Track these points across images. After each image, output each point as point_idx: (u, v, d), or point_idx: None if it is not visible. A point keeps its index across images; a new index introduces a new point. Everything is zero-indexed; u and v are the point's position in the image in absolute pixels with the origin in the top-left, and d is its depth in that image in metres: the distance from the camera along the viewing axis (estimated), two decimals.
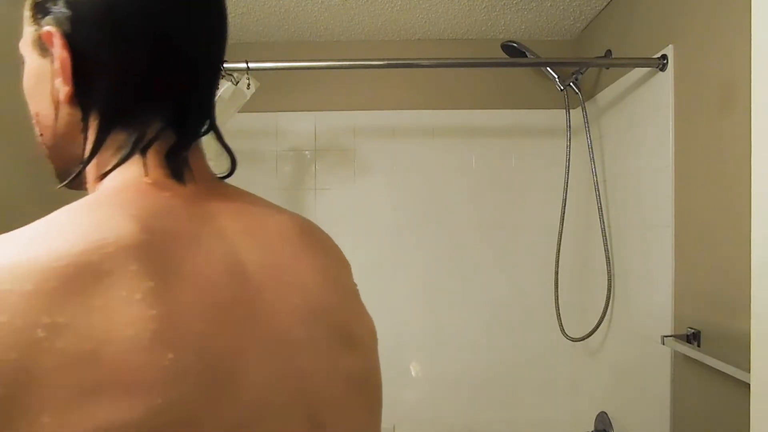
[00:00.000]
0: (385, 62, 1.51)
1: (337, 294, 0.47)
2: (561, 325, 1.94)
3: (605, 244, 1.72)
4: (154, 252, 0.35)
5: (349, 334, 0.45)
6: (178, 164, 0.43)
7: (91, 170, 0.44)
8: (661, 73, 1.43)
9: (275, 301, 0.41)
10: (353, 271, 0.54)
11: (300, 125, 2.11)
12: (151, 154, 0.43)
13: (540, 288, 2.08)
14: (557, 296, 1.95)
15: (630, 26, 1.64)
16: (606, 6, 1.80)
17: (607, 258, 1.72)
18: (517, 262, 2.10)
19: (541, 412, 2.09)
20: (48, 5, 0.42)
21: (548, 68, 1.92)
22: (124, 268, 0.33)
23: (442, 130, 2.10)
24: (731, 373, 1.07)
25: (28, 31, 0.44)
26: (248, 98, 1.55)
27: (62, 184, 0.48)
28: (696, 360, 1.25)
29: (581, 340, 1.84)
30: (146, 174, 0.42)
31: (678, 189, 1.36)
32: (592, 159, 1.78)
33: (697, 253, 1.28)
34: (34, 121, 0.46)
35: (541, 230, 2.08)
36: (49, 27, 0.41)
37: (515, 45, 1.86)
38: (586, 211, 1.99)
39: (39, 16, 0.43)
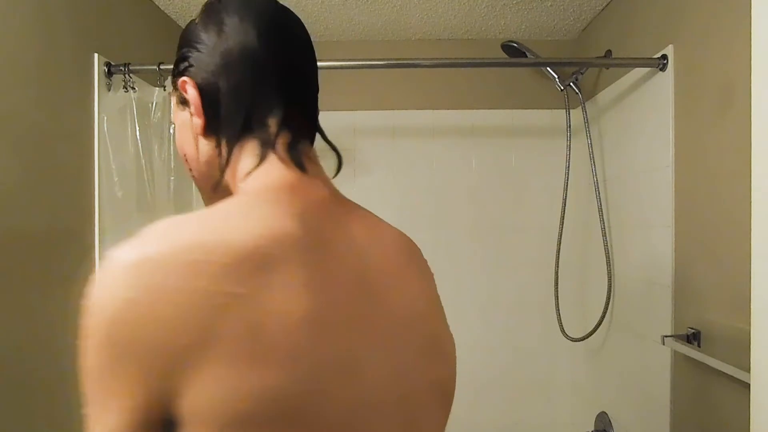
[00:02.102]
0: (385, 62, 1.51)
1: (429, 306, 0.51)
2: (561, 325, 1.94)
3: (605, 244, 1.72)
4: (311, 247, 0.41)
5: (438, 344, 0.49)
6: (298, 155, 0.50)
7: (231, 180, 0.51)
8: (661, 73, 1.43)
9: (389, 307, 0.45)
10: None
11: None
12: (279, 150, 0.49)
13: (540, 288, 2.08)
14: (557, 296, 1.95)
15: (630, 26, 1.64)
16: (606, 6, 1.80)
17: (607, 258, 1.72)
18: (517, 262, 2.10)
19: (541, 412, 2.09)
20: (180, 66, 0.52)
21: (548, 68, 1.92)
22: (290, 257, 0.39)
23: (442, 129, 2.10)
24: (731, 373, 1.07)
25: (173, 100, 0.55)
26: None
27: (209, 202, 0.56)
28: (696, 360, 1.25)
29: (581, 340, 1.84)
30: (283, 165, 0.49)
31: (678, 189, 1.36)
32: (592, 159, 1.78)
33: (697, 252, 1.28)
34: (184, 163, 0.56)
35: (541, 230, 2.08)
36: (182, 78, 0.52)
37: (515, 45, 1.86)
38: (586, 211, 1.99)
39: (176, 80, 0.53)
